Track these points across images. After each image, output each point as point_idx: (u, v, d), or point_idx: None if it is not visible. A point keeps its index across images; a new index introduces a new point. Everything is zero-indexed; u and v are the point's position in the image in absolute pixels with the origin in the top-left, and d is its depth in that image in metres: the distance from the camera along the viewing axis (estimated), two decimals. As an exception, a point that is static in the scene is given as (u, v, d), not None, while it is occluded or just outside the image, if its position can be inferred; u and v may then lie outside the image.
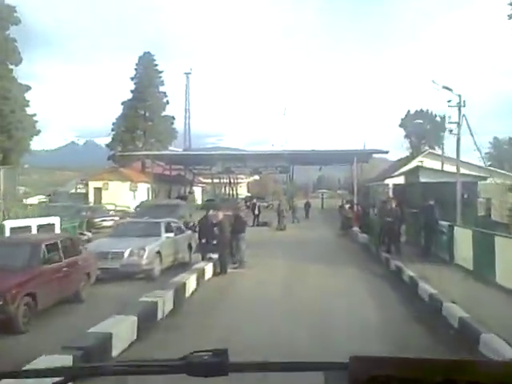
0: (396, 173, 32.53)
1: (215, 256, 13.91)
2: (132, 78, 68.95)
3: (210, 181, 64.72)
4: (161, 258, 12.78)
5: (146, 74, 68.59)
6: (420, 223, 17.71)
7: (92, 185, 55.63)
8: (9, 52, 33.52)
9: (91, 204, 47.64)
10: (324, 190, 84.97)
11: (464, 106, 16.51)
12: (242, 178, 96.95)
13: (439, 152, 42.90)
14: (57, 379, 1.31)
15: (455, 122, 16.86)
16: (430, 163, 34.35)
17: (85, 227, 24.11)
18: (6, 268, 8.39)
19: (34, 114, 35.61)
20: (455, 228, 14.27)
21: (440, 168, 28.13)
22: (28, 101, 34.69)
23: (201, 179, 76.53)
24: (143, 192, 54.80)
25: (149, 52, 72.39)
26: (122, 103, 69.03)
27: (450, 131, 17.17)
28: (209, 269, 12.91)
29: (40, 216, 25.84)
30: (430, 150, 45.05)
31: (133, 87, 68.33)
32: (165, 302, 8.68)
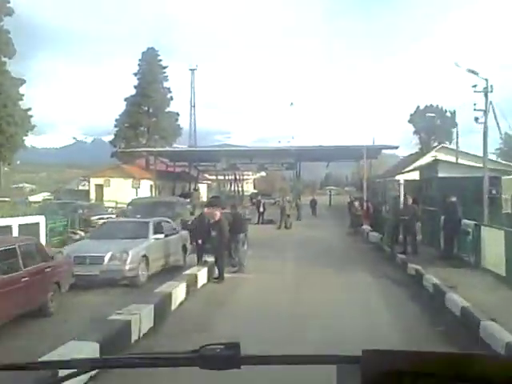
0: (408, 168, 30.77)
1: (212, 259, 12.38)
2: (135, 74, 67.60)
3: (215, 177, 63.03)
4: (148, 262, 11.25)
5: (150, 70, 67.16)
6: (436, 221, 16.10)
7: (93, 182, 54.38)
8: (1, 44, 32.02)
9: (93, 201, 46.47)
10: (332, 187, 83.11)
11: (491, 91, 14.81)
12: (249, 175, 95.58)
13: (452, 146, 41.20)
14: (69, 371, 1.30)
15: (481, 110, 15.16)
16: (443, 158, 32.60)
17: (78, 225, 22.72)
18: None
19: (29, 109, 34.15)
20: (482, 228, 12.62)
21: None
22: (22, 95, 33.25)
23: (206, 176, 75.14)
24: (146, 189, 53.47)
25: (152, 47, 71.10)
26: (125, 99, 67.71)
27: (476, 119, 15.45)
28: (203, 274, 11.33)
29: (36, 214, 24.50)
30: (444, 145, 43.18)
31: (136, 83, 67.07)
32: (141, 319, 7.12)
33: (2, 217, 19.22)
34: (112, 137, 67.13)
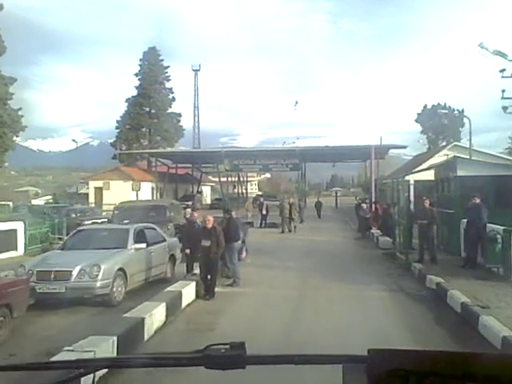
0: (420, 167, 29.02)
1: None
2: (136, 74, 66.21)
3: (218, 179, 61.39)
4: (125, 276, 9.64)
5: (151, 70, 65.75)
6: (455, 225, 14.44)
7: (92, 184, 52.95)
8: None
9: (92, 205, 45.08)
10: (337, 189, 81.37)
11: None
12: (253, 177, 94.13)
13: (463, 144, 39.39)
14: (78, 371, 1.30)
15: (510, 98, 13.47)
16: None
17: (66, 231, 21.19)
18: None
19: (20, 109, 32.57)
20: (514, 234, 10.91)
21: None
22: (12, 94, 31.65)
23: (210, 178, 73.66)
24: (147, 191, 52.08)
25: (154, 47, 69.69)
26: (127, 100, 66.33)
27: (505, 109, 13.74)
28: (189, 290, 9.67)
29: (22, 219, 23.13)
30: (456, 143, 41.34)
31: (137, 84, 65.67)
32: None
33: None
34: (113, 139, 65.85)
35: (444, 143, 59.46)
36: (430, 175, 25.51)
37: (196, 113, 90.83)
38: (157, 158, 56.94)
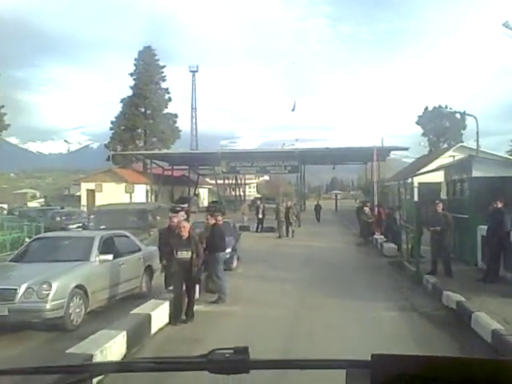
0: (424, 169, 27.47)
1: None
2: (131, 74, 64.62)
3: (215, 182, 59.76)
4: (86, 295, 8.03)
5: (146, 70, 64.20)
6: (470, 232, 12.89)
7: (84, 186, 51.29)
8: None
9: (84, 207, 43.51)
10: (337, 191, 79.79)
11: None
12: (251, 179, 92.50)
13: (468, 145, 37.86)
14: (79, 376, 1.30)
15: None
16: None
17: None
18: None
19: (2, 106, 30.98)
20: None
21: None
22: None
23: (208, 180, 72.04)
24: (142, 194, 50.53)
25: (149, 46, 68.16)
26: (122, 101, 64.77)
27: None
28: (161, 312, 8.04)
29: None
30: (462, 144, 39.75)
31: (133, 84, 64.10)
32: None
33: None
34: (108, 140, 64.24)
35: (445, 145, 58.01)
36: (435, 177, 24.02)
37: (194, 114, 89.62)
38: (152, 159, 55.39)
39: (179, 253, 8.48)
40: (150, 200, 52.05)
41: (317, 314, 8.84)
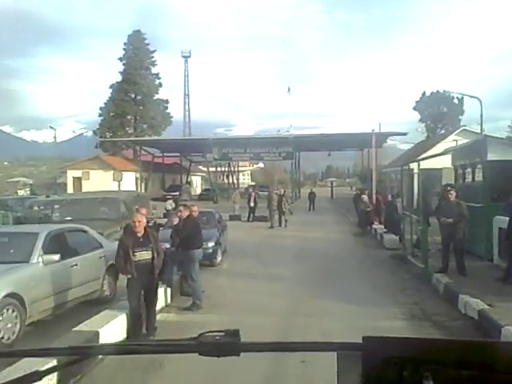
0: (425, 154, 25.90)
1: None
2: (120, 59, 62.42)
3: (207, 169, 58.05)
4: (22, 305, 6.43)
5: (136, 55, 62.00)
6: (483, 223, 11.35)
7: (71, 174, 49.47)
8: None
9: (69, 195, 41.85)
10: (333, 179, 78.30)
11: None
12: (246, 166, 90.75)
13: (471, 129, 36.32)
14: (68, 358, 1.30)
15: None
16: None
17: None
18: None
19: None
20: None
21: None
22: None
23: (200, 168, 70.28)
24: (131, 182, 48.90)
25: (139, 30, 65.74)
26: (111, 86, 62.69)
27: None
28: (115, 327, 6.44)
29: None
30: (465, 127, 38.13)
31: (122, 69, 61.98)
32: None
33: None
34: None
35: (443, 131, 56.53)
36: (435, 163, 22.50)
37: (186, 101, 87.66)
38: (142, 146, 53.62)
39: (137, 254, 6.85)
40: (139, 188, 50.43)
41: (311, 321, 7.27)
